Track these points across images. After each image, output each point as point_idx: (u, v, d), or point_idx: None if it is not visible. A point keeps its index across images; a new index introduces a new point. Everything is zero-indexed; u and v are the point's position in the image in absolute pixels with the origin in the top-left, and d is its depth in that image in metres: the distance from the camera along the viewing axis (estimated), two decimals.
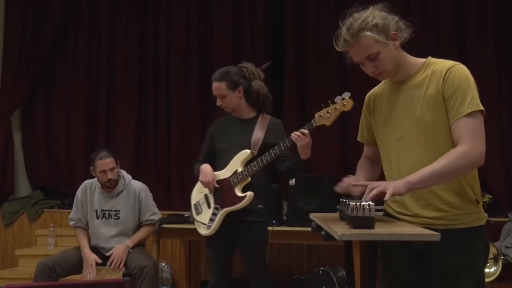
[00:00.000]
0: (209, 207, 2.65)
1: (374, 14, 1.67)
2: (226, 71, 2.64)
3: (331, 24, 4.61)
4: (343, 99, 2.20)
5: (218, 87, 2.60)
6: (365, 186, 1.62)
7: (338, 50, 1.74)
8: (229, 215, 2.56)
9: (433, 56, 1.78)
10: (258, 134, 2.56)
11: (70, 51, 5.09)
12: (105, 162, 3.26)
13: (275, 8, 4.78)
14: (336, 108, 2.23)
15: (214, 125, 2.79)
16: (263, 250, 2.60)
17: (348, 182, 1.75)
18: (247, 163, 2.54)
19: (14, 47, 4.97)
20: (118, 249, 3.23)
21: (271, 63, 2.67)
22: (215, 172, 2.63)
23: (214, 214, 2.60)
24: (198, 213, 2.71)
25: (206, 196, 2.67)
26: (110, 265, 3.18)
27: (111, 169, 3.26)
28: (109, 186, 3.31)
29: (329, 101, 2.27)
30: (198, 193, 2.72)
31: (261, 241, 2.58)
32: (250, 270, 2.62)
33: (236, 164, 2.57)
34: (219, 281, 2.64)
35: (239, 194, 2.53)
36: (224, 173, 2.61)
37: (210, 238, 2.62)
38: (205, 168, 2.62)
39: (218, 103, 2.64)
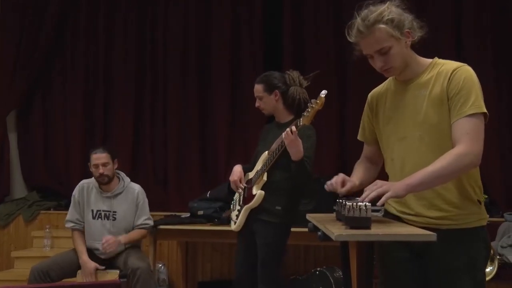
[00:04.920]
0: (239, 204, 2.79)
1: (390, 9, 1.67)
2: (266, 74, 2.75)
3: (328, 24, 4.63)
4: (319, 97, 2.28)
5: (256, 88, 2.73)
6: (355, 187, 1.61)
7: (350, 40, 1.73)
8: (251, 213, 2.67)
9: (430, 56, 1.79)
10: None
11: (67, 52, 5.07)
12: (98, 156, 3.29)
13: (273, 7, 4.79)
14: (312, 107, 2.30)
15: (262, 130, 2.92)
16: (272, 250, 2.62)
17: (335, 180, 1.74)
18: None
19: (11, 47, 4.95)
20: (109, 236, 3.22)
21: (318, 72, 2.70)
22: (248, 173, 2.78)
23: (238, 211, 2.75)
24: (232, 210, 2.89)
25: (239, 194, 2.81)
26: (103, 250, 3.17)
27: (104, 164, 3.27)
28: (102, 182, 3.31)
29: (312, 100, 2.32)
30: (237, 192, 2.86)
31: (270, 241, 2.61)
32: (258, 268, 2.65)
33: (258, 164, 2.71)
34: (241, 274, 2.75)
35: (254, 192, 2.64)
36: (252, 173, 2.76)
37: (238, 234, 2.77)
38: (235, 168, 2.79)
39: (256, 104, 2.75)
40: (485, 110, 1.63)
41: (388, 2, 1.69)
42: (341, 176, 1.78)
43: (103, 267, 3.24)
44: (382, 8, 1.67)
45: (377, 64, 1.71)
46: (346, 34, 1.73)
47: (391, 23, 1.65)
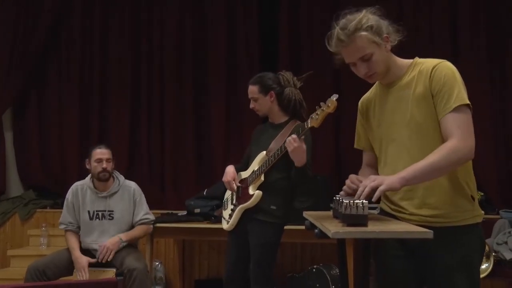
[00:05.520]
0: (232, 203, 2.77)
1: (368, 17, 1.69)
2: (261, 75, 2.72)
3: (325, 25, 4.62)
4: (330, 100, 2.23)
5: (251, 90, 2.69)
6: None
7: (331, 50, 1.75)
8: (245, 213, 2.64)
9: (426, 56, 1.80)
10: (279, 138, 2.60)
11: (63, 51, 5.05)
12: (103, 151, 3.32)
13: (269, 7, 4.78)
14: (322, 110, 2.26)
15: (254, 130, 2.88)
16: (266, 250, 2.60)
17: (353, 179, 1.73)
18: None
19: (5, 46, 4.92)
20: (110, 240, 3.20)
21: (310, 73, 2.67)
22: (241, 172, 2.75)
23: (232, 210, 2.72)
24: (224, 209, 2.87)
25: (232, 194, 2.79)
26: (99, 258, 3.15)
27: (107, 160, 3.30)
28: (102, 178, 3.28)
29: (321, 103, 2.29)
30: (228, 191, 2.84)
31: (265, 241, 2.59)
32: (251, 267, 2.64)
33: (254, 164, 2.66)
34: (231, 273, 2.73)
35: (251, 192, 2.61)
36: (246, 173, 2.73)
37: (230, 232, 2.74)
38: (228, 169, 2.75)
39: (251, 105, 2.71)
40: (468, 102, 1.64)
41: (364, 10, 1.71)
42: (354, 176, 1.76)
43: (95, 260, 3.19)
44: (360, 16, 1.69)
45: (360, 71, 1.73)
46: (327, 45, 1.75)
47: (371, 30, 1.67)
